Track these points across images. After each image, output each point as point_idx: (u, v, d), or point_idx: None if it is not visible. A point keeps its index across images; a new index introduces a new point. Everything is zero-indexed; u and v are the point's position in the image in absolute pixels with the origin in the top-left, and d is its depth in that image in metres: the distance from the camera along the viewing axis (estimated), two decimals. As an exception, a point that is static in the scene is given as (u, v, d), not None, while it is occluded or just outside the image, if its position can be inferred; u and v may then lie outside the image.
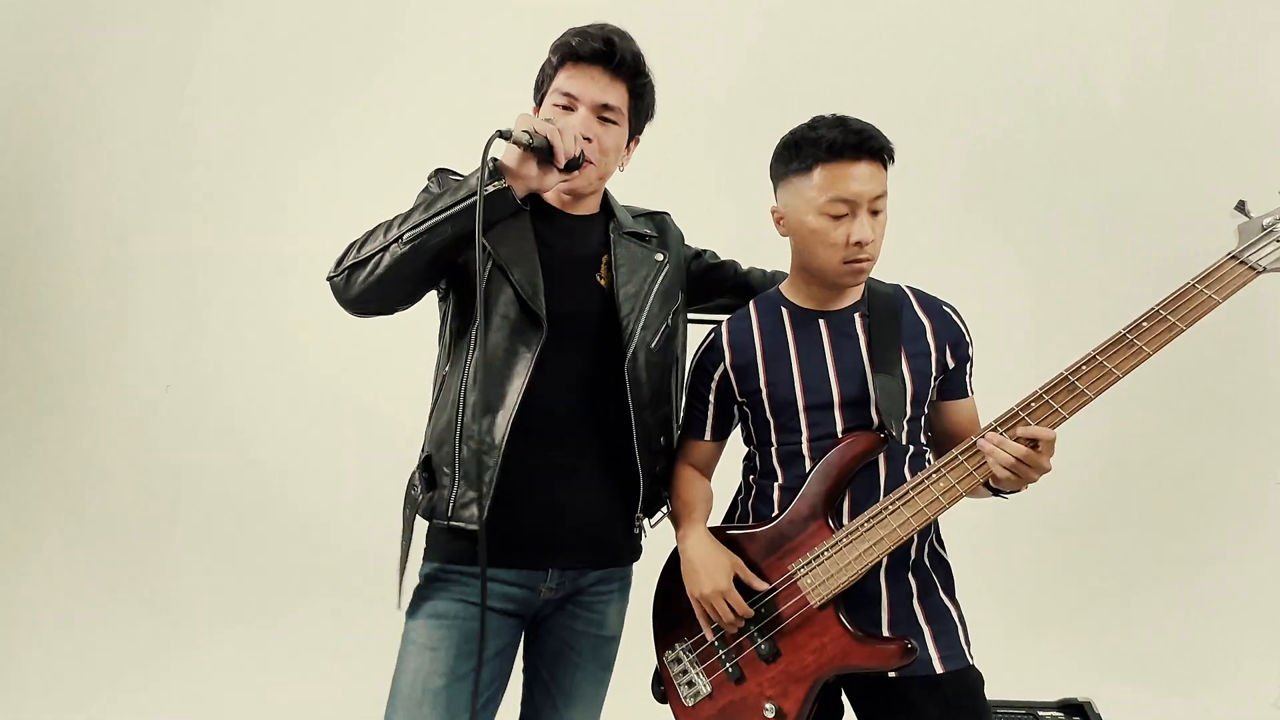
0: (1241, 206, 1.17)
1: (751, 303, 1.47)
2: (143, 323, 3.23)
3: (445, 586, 1.34)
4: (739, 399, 1.42)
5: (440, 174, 1.41)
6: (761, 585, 1.32)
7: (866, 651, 1.24)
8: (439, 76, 3.16)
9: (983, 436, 1.21)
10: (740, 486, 1.49)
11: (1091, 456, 2.87)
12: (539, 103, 1.42)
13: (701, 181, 3.03)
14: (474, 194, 1.22)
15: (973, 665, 1.31)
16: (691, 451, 1.50)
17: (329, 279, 1.29)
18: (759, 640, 1.31)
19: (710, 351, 1.46)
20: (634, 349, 1.36)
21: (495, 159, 1.25)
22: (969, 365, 1.42)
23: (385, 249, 1.24)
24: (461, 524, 1.29)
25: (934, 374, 1.37)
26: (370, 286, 1.26)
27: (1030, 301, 3.04)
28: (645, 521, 1.46)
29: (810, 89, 2.87)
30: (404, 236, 1.24)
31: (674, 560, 1.45)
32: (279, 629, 2.95)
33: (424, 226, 1.24)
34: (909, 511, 1.24)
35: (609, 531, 1.42)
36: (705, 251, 1.62)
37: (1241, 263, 1.11)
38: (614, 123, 1.38)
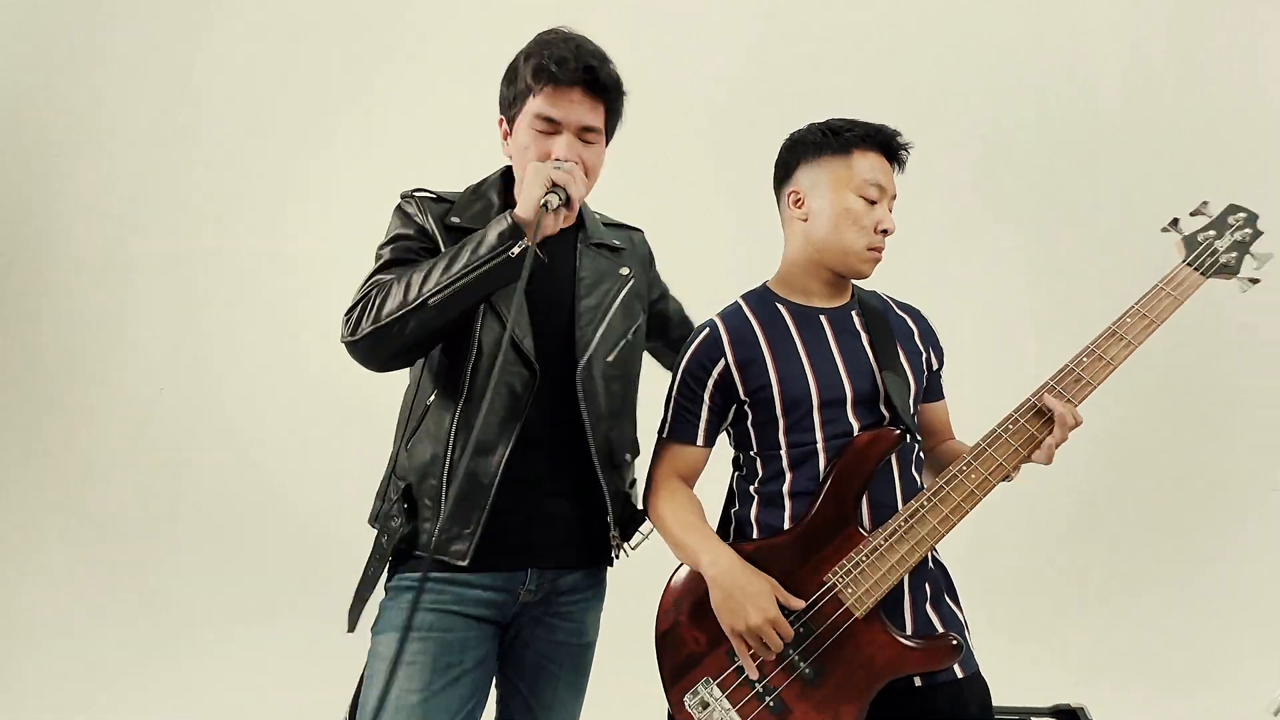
0: (1174, 224, 1.35)
1: (739, 299, 1.42)
2: (142, 323, 3.23)
3: (411, 595, 1.31)
4: (742, 398, 1.34)
5: (414, 199, 1.38)
6: (799, 604, 1.22)
7: (919, 656, 1.19)
8: (440, 78, 3.16)
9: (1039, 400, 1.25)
10: (732, 497, 1.41)
11: (1086, 459, 2.86)
12: (511, 119, 1.38)
13: (701, 181, 3.03)
14: (496, 254, 1.21)
15: (979, 669, 1.30)
16: (678, 458, 1.39)
17: (346, 342, 1.27)
18: (802, 665, 1.21)
19: (706, 347, 1.37)
20: (587, 359, 1.35)
21: (511, 214, 1.23)
22: (942, 369, 1.47)
23: (410, 312, 1.22)
24: (447, 559, 1.28)
25: (925, 374, 1.40)
26: (398, 351, 1.26)
27: (1031, 300, 3.04)
28: (624, 545, 1.41)
29: (810, 89, 2.87)
30: (429, 300, 1.21)
31: (679, 592, 1.34)
32: (279, 629, 2.95)
33: (453, 288, 1.21)
34: (946, 507, 1.22)
35: (588, 531, 1.39)
36: (672, 298, 1.62)
37: (1194, 269, 1.30)
38: (594, 142, 1.37)
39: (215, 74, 3.24)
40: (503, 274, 1.22)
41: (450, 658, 1.27)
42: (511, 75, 1.38)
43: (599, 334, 1.37)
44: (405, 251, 1.32)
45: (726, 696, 1.24)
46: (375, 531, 1.35)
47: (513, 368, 1.30)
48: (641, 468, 1.47)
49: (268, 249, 3.18)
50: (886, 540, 1.22)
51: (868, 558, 1.22)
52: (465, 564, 1.27)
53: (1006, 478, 1.28)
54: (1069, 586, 2.99)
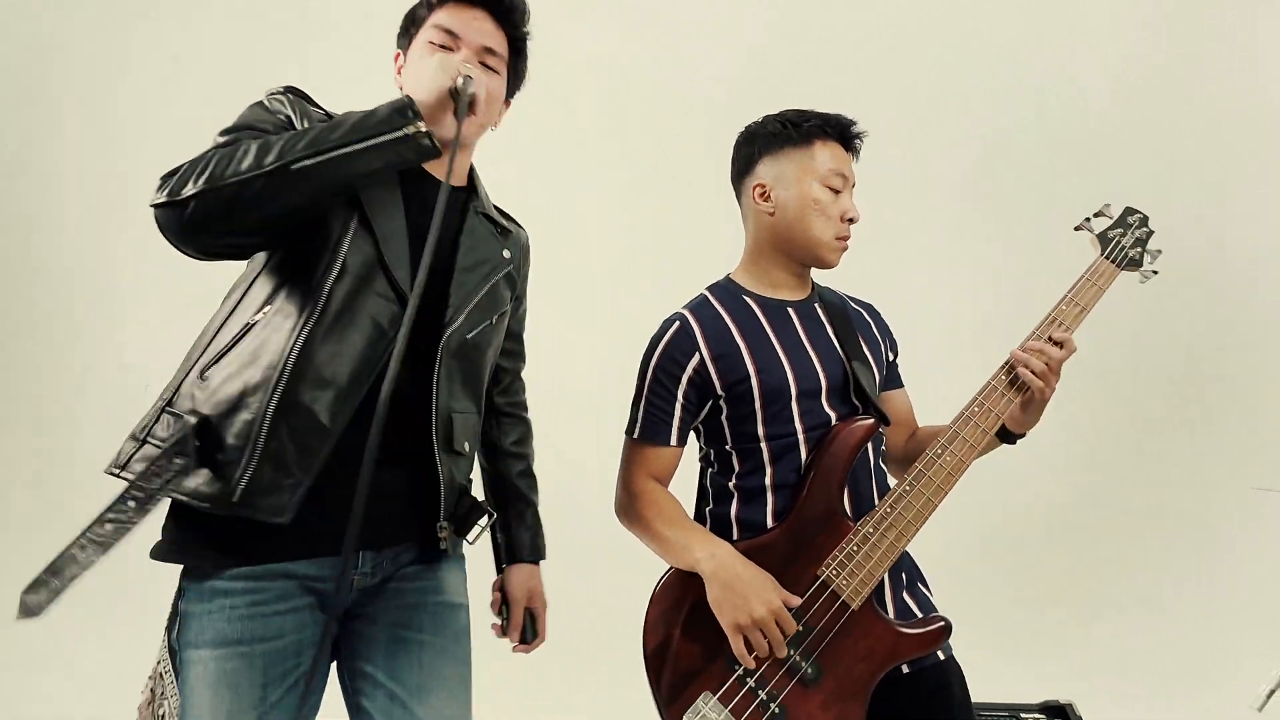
0: (1088, 222, 1.46)
1: (706, 293, 1.41)
2: (127, 320, 3.21)
3: (227, 599, 1.06)
4: (719, 392, 1.31)
5: (293, 94, 1.22)
6: (797, 600, 1.20)
7: (914, 640, 1.21)
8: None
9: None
10: (706, 494, 1.38)
11: (1073, 461, 2.87)
12: (407, 44, 1.29)
13: (701, 181, 3.02)
14: (390, 128, 1.05)
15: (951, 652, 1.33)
16: (651, 461, 1.34)
17: (159, 204, 1.04)
18: (804, 664, 1.18)
19: (679, 341, 1.33)
20: (452, 331, 1.18)
21: (409, 97, 1.09)
22: (898, 359, 1.51)
23: (264, 175, 1.01)
24: (257, 515, 1.01)
25: (884, 364, 1.44)
26: (234, 226, 1.03)
27: (1028, 300, 3.03)
28: (450, 535, 1.19)
29: (810, 89, 2.85)
30: (292, 165, 1.01)
31: (667, 605, 1.27)
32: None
33: (327, 156, 1.02)
34: (928, 490, 1.24)
35: (424, 520, 1.18)
36: (521, 318, 1.48)
37: (1111, 262, 1.41)
38: (495, 70, 1.26)
39: (206, 71, 3.22)
40: (389, 154, 1.05)
41: (285, 665, 1.07)
42: (411, 13, 1.30)
43: (470, 305, 1.22)
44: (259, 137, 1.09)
45: (729, 710, 1.18)
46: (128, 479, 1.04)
47: (381, 297, 1.11)
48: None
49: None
50: (876, 528, 1.23)
51: (859, 547, 1.22)
52: (283, 520, 1.02)
53: (1008, 438, 1.35)
54: (1058, 584, 3.00)
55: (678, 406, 1.33)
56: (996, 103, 3.10)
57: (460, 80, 1.10)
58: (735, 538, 1.29)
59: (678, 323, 1.35)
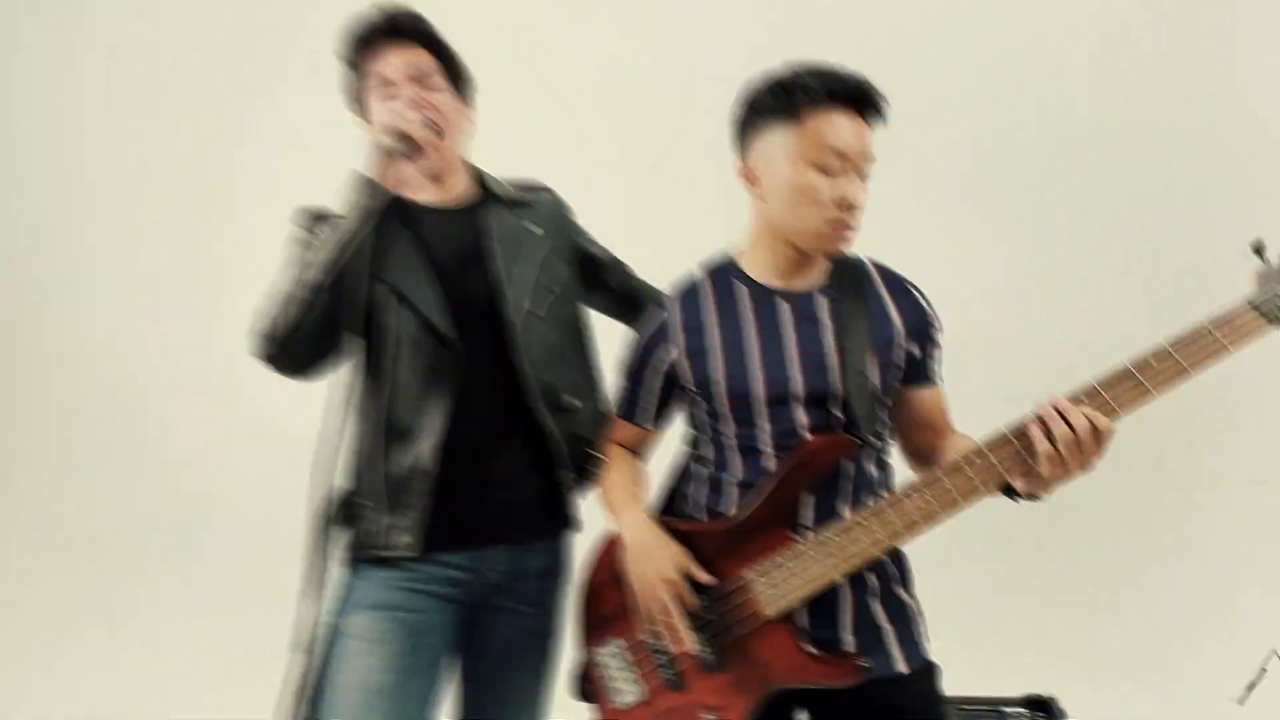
0: (1259, 250, 1.07)
1: (700, 269, 1.36)
2: (91, 310, 3.18)
3: (381, 573, 1.31)
4: (692, 389, 1.31)
5: (311, 219, 1.40)
6: (708, 579, 1.23)
7: (819, 670, 1.18)
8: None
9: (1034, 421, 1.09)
10: (683, 471, 1.41)
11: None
12: (360, 107, 1.42)
13: (701, 181, 3.02)
14: (356, 215, 1.27)
15: (930, 659, 1.27)
16: (625, 434, 1.43)
17: (257, 355, 1.28)
18: (704, 649, 1.23)
19: (657, 333, 1.34)
20: (516, 308, 1.35)
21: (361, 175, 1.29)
22: (937, 351, 1.32)
23: (305, 299, 1.25)
24: (398, 553, 1.29)
25: (901, 365, 1.28)
26: (307, 340, 1.26)
27: (1028, 302, 3.03)
28: (573, 482, 1.43)
29: (810, 89, 2.86)
30: (315, 281, 1.25)
31: (607, 550, 1.38)
32: (247, 630, 2.93)
33: (330, 260, 1.25)
34: (882, 531, 1.14)
35: (546, 488, 1.41)
36: (597, 246, 1.61)
37: (1261, 314, 1.04)
38: (438, 88, 1.37)
39: (190, 68, 3.19)
40: (364, 230, 1.25)
41: (422, 638, 1.29)
42: (345, 81, 1.43)
43: (525, 289, 1.37)
44: None
45: (632, 660, 1.30)
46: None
47: (430, 350, 1.31)
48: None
49: (236, 235, 3.06)
50: (813, 550, 1.18)
51: (789, 561, 1.18)
52: (416, 555, 1.28)
53: (1015, 495, 1.17)
54: (1041, 577, 2.99)
55: (651, 394, 1.37)
56: (996, 103, 3.09)
57: (388, 146, 1.29)
58: (693, 519, 1.33)
59: (660, 313, 1.35)
